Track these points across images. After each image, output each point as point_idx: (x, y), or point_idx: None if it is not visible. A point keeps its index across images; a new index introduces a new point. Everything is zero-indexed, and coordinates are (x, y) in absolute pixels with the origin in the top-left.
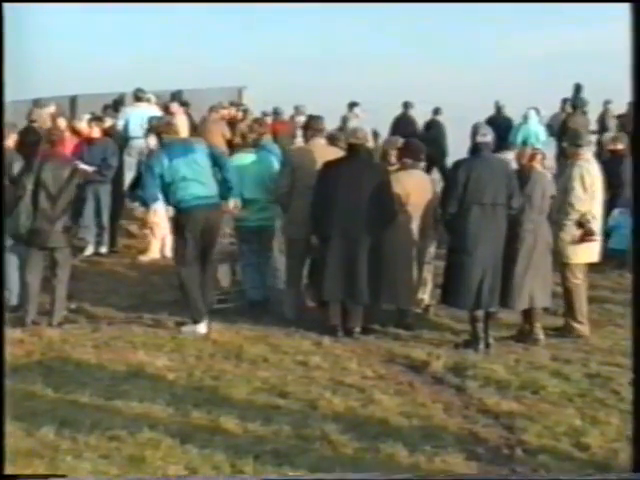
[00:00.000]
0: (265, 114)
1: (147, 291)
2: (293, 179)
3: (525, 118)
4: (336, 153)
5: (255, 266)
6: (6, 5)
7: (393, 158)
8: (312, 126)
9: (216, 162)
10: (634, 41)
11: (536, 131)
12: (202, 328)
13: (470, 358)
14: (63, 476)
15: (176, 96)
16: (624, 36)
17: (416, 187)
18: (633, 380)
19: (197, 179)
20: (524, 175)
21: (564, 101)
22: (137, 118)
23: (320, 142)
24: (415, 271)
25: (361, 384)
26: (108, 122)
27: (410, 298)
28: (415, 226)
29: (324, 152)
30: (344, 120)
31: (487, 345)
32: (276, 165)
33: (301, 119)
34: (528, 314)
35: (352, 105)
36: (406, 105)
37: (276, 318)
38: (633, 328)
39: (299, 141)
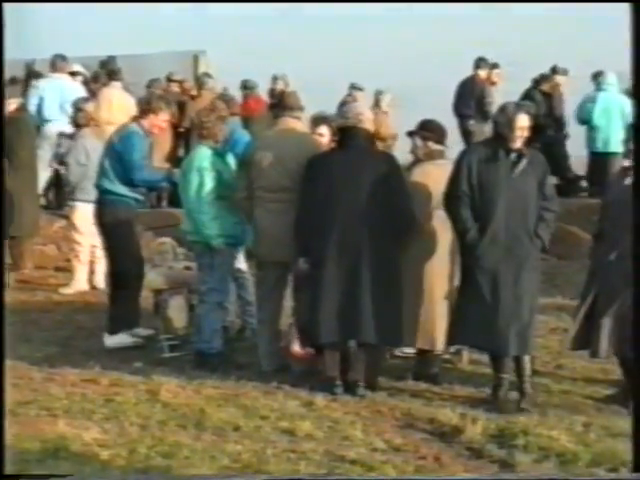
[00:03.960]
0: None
1: (71, 337)
2: (252, 179)
3: (601, 84)
4: (310, 140)
5: (209, 302)
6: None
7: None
8: (281, 102)
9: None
10: (634, 41)
11: (621, 103)
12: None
13: (520, 421)
14: (64, 476)
15: (107, 64)
16: None
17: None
18: (633, 380)
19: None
20: None
21: None
22: (54, 95)
23: (290, 124)
24: (445, 300)
25: (369, 459)
26: (12, 103)
27: (439, 338)
28: (448, 238)
29: (296, 139)
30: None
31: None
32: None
33: None
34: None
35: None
36: (478, 64)
37: (250, 370)
38: (633, 328)
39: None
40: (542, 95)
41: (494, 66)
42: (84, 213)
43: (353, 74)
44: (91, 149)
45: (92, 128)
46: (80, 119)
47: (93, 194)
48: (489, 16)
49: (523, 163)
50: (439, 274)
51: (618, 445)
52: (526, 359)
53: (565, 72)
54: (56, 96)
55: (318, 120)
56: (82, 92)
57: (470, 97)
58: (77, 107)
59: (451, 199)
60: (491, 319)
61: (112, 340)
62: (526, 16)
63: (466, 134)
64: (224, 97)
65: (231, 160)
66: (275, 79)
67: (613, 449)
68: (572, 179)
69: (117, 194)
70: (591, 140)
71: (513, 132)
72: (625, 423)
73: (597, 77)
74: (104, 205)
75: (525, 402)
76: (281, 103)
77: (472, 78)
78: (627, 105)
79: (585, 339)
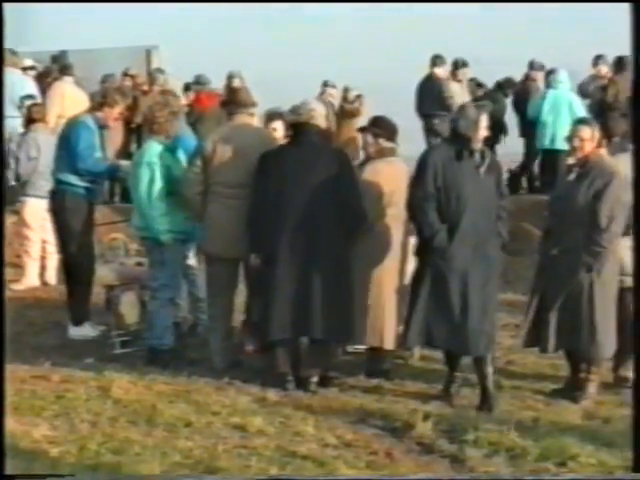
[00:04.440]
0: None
1: (22, 332)
2: (208, 175)
3: (551, 82)
4: (270, 136)
5: (161, 298)
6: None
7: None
8: (234, 99)
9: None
10: (634, 41)
11: (570, 100)
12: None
13: (471, 417)
14: (63, 476)
15: (59, 59)
16: None
17: (400, 182)
18: (633, 380)
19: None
20: (592, 168)
21: (597, 59)
22: (4, 90)
23: (246, 120)
24: (395, 298)
25: (320, 455)
26: None
27: (388, 336)
28: (399, 236)
29: (254, 135)
30: None
31: (485, 399)
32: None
33: None
34: (578, 359)
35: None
36: (435, 61)
37: (202, 366)
38: (634, 327)
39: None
40: (505, 95)
41: (463, 64)
42: (34, 208)
43: (324, 73)
44: (42, 143)
45: (43, 123)
46: (32, 114)
47: (43, 189)
48: (486, 16)
49: (487, 162)
50: (390, 272)
51: (566, 439)
52: (489, 358)
53: (541, 67)
54: (6, 91)
55: (272, 115)
56: (33, 87)
57: (429, 95)
58: (27, 103)
59: (417, 201)
60: (461, 320)
61: (77, 331)
62: (525, 15)
63: (430, 133)
64: (169, 93)
65: (181, 155)
66: (231, 76)
67: (561, 443)
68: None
69: (67, 183)
70: (540, 137)
71: (477, 132)
72: (574, 417)
73: (549, 75)
74: (56, 194)
75: (491, 400)
76: (234, 100)
77: (429, 76)
78: (576, 103)
79: (536, 335)
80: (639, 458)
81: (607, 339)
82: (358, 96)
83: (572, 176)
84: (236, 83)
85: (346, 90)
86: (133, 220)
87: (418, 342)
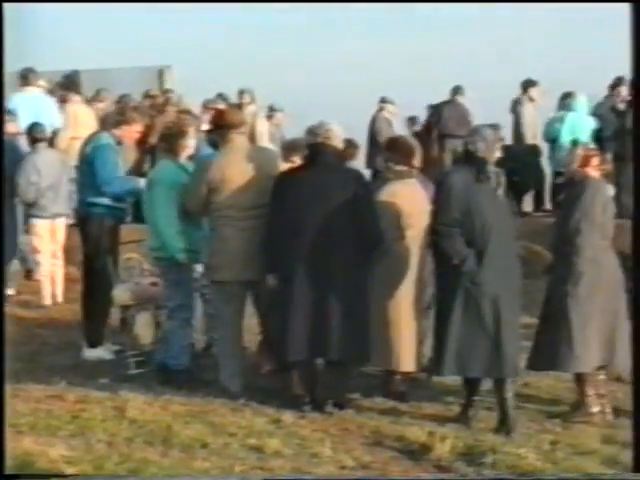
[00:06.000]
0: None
1: (36, 352)
2: (217, 200)
3: (570, 105)
4: (268, 156)
5: (178, 318)
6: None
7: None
8: (226, 121)
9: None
10: (634, 41)
11: (584, 124)
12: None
13: (488, 439)
14: (63, 476)
15: (71, 79)
16: None
17: (418, 204)
18: (633, 380)
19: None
20: (576, 184)
21: (618, 81)
22: (28, 108)
23: (242, 140)
24: (412, 320)
25: (337, 476)
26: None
27: (405, 358)
28: (417, 258)
29: (259, 155)
30: None
31: (505, 422)
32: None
33: (252, 108)
34: (581, 378)
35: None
36: (456, 90)
37: (217, 387)
38: (633, 329)
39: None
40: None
41: (532, 83)
42: (40, 229)
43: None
44: (43, 165)
45: (44, 143)
46: (35, 133)
47: (47, 210)
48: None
49: (502, 184)
50: (407, 294)
51: (585, 462)
52: (510, 381)
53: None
54: (30, 110)
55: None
56: (55, 107)
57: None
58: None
59: (443, 227)
60: (495, 345)
61: (92, 353)
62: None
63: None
64: (189, 113)
65: None
66: (241, 93)
67: (580, 467)
68: None
69: (98, 205)
70: (557, 159)
71: (493, 154)
72: (592, 441)
73: (566, 98)
74: (87, 217)
75: (510, 423)
76: (226, 122)
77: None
78: (592, 127)
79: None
80: (639, 458)
81: (586, 353)
82: None
83: (561, 196)
84: (246, 100)
85: (382, 100)
86: (149, 241)
87: (454, 371)
